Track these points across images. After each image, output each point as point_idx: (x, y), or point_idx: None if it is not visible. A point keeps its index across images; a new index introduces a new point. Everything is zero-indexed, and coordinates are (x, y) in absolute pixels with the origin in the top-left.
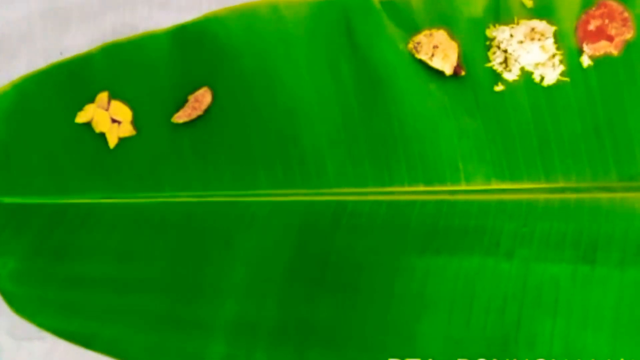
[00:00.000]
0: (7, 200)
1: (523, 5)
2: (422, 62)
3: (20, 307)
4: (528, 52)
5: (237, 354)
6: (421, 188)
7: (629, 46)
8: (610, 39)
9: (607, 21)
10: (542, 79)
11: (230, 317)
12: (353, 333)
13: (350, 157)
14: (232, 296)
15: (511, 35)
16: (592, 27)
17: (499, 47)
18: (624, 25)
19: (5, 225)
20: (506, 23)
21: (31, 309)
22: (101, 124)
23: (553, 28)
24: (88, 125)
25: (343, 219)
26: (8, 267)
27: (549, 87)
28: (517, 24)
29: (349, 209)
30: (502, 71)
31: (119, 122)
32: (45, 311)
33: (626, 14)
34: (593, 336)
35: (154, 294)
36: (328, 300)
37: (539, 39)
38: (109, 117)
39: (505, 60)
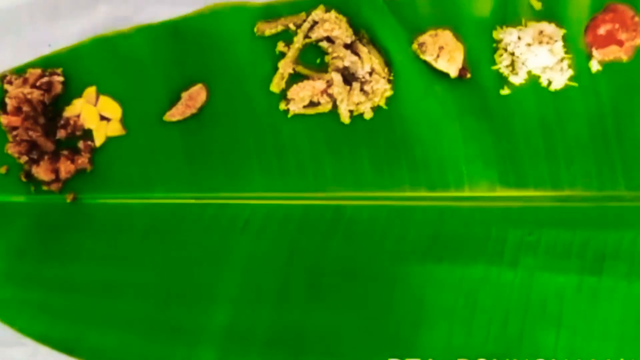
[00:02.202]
0: None
1: (531, 7)
2: (426, 63)
3: (1, 311)
4: (536, 56)
5: None
6: (423, 193)
7: (639, 51)
8: (620, 43)
9: (617, 26)
10: (550, 83)
11: (222, 323)
12: (349, 342)
13: (350, 159)
14: (224, 302)
15: (519, 38)
16: (601, 31)
17: (505, 50)
18: (634, 30)
19: None
20: (514, 25)
21: (12, 313)
22: (89, 120)
23: (562, 31)
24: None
25: (341, 224)
26: None
27: (557, 92)
28: (525, 26)
29: (347, 214)
30: (508, 74)
31: (108, 120)
32: (26, 316)
33: (637, 19)
34: (598, 349)
35: (143, 299)
36: (324, 308)
37: (548, 42)
38: (98, 113)
39: (512, 63)
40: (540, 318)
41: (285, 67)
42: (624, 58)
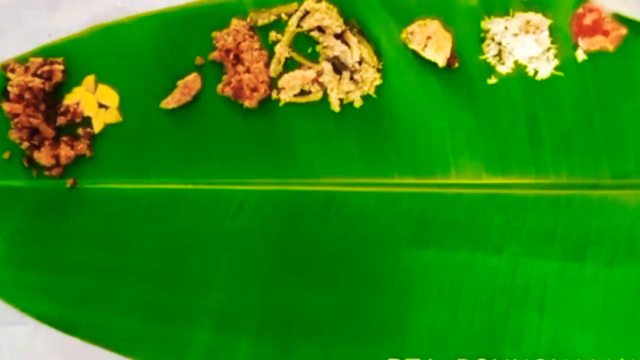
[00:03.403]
0: None
1: None
2: (415, 53)
3: (3, 291)
4: (522, 45)
5: (222, 343)
6: (411, 180)
7: (624, 41)
8: (606, 33)
9: (603, 15)
10: (536, 72)
11: (215, 306)
12: (339, 325)
13: (340, 147)
14: (217, 285)
15: (506, 28)
16: (587, 21)
17: (493, 40)
18: (620, 20)
19: None
20: (501, 15)
21: (14, 293)
22: (88, 108)
23: (548, 21)
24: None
25: (331, 209)
26: None
27: (543, 81)
28: (512, 16)
29: (337, 199)
30: (495, 64)
31: (106, 107)
32: (27, 296)
33: None
34: (580, 334)
35: (139, 282)
36: (314, 291)
37: (534, 32)
38: (96, 101)
39: (499, 53)
40: (524, 302)
41: (282, 52)
42: (610, 48)
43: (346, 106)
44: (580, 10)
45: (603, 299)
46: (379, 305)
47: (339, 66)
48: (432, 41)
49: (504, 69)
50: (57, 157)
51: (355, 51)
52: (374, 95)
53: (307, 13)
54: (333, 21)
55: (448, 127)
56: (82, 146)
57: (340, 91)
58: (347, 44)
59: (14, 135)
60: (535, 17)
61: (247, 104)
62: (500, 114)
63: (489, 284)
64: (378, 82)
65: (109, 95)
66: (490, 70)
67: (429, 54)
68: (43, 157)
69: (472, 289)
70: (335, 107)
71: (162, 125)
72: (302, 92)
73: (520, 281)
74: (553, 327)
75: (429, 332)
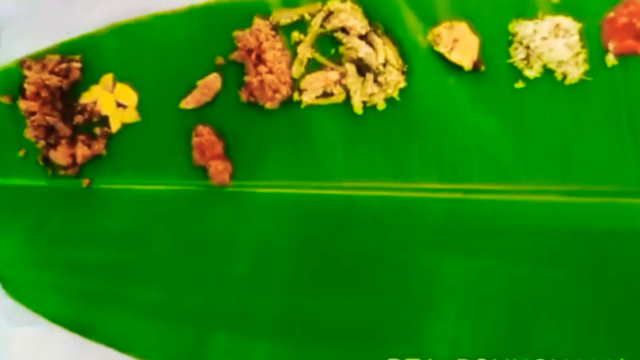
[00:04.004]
0: (7, 182)
1: (548, 0)
2: (441, 55)
3: (17, 291)
4: (551, 49)
5: (238, 346)
6: (434, 185)
7: None
8: (637, 38)
9: (634, 19)
10: (565, 77)
11: (232, 308)
12: (357, 329)
13: (362, 150)
14: (235, 287)
15: (535, 31)
16: (619, 25)
17: (521, 43)
18: None
19: (4, 207)
20: (530, 18)
21: (27, 293)
22: (105, 107)
23: (578, 25)
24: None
25: (352, 213)
26: (6, 250)
27: (571, 86)
28: (542, 19)
29: (358, 203)
30: (523, 67)
31: (124, 106)
32: (41, 296)
33: None
34: (605, 339)
35: (155, 284)
36: (333, 295)
37: (564, 36)
38: (114, 100)
39: (527, 57)
40: (547, 309)
41: (304, 52)
42: None
43: (369, 109)
44: (611, 14)
45: (625, 305)
46: (399, 311)
47: (362, 68)
48: (458, 44)
49: (532, 73)
50: (73, 156)
51: (380, 53)
52: (397, 98)
53: (330, 13)
54: (357, 22)
55: (473, 132)
56: (99, 145)
57: (364, 93)
58: (371, 45)
59: (30, 134)
60: (565, 21)
61: (268, 105)
62: (527, 119)
63: (512, 291)
64: (402, 84)
65: (128, 95)
66: (517, 74)
67: (455, 57)
68: (59, 156)
69: (494, 296)
70: (358, 109)
71: (181, 125)
72: (325, 94)
73: (544, 289)
74: (578, 332)
75: (449, 339)
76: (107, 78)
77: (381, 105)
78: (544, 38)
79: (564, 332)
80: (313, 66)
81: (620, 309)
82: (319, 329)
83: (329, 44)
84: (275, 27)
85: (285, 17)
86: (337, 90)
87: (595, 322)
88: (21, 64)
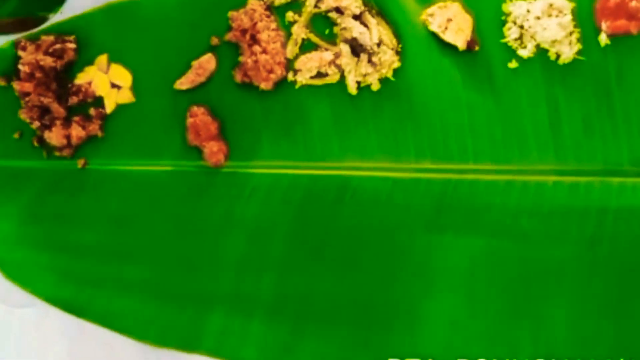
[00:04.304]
0: (2, 163)
1: None
2: (434, 35)
3: (13, 273)
4: (545, 29)
5: (233, 326)
6: (428, 165)
7: None
8: (630, 17)
9: None
10: (558, 56)
11: (227, 289)
12: (352, 309)
13: (356, 130)
14: (229, 268)
15: (528, 11)
16: (611, 4)
17: (514, 23)
18: None
19: (0, 188)
20: None
21: (24, 274)
22: (100, 88)
23: (571, 5)
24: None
25: (347, 194)
26: (2, 231)
27: (565, 66)
28: None
29: (353, 184)
30: (517, 47)
31: (119, 87)
32: (37, 277)
33: None
34: (599, 320)
35: (150, 264)
36: (327, 275)
37: (557, 16)
38: (109, 81)
39: (521, 37)
40: (542, 289)
41: (299, 32)
42: (634, 32)
43: (363, 89)
44: None
45: (618, 284)
46: (394, 291)
47: (357, 48)
48: (452, 23)
49: (525, 52)
50: (68, 137)
51: (374, 33)
52: (392, 78)
53: None
54: (352, 2)
55: (467, 112)
56: (93, 126)
57: (358, 73)
58: (365, 25)
59: (24, 115)
60: (558, 1)
61: (262, 85)
62: (521, 99)
63: (506, 270)
64: (396, 64)
65: (122, 75)
66: (511, 54)
67: (449, 37)
68: (54, 137)
69: (489, 275)
70: (353, 89)
71: (175, 106)
72: (319, 74)
73: (539, 267)
74: (572, 313)
75: (444, 318)
76: (102, 58)
77: (375, 86)
78: (537, 17)
79: (558, 310)
80: (307, 46)
81: (613, 287)
82: (314, 309)
83: (323, 24)
84: (270, 7)
85: None
86: (331, 70)
87: (589, 300)
88: (15, 44)
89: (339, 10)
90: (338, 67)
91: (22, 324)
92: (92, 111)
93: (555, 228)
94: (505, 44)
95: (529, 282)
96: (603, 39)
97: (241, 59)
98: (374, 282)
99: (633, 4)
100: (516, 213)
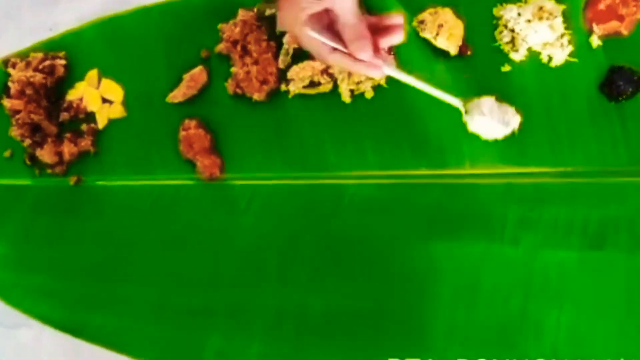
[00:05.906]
0: None
1: None
2: (427, 41)
3: (7, 293)
4: (536, 32)
5: (233, 344)
6: (424, 171)
7: (639, 26)
8: (620, 18)
9: (617, 0)
10: (550, 59)
11: (225, 304)
12: (351, 322)
13: (351, 139)
14: (226, 283)
15: (519, 14)
16: (602, 6)
17: (506, 27)
18: (634, 5)
19: None
20: (514, 1)
21: (17, 295)
22: (91, 103)
23: (562, 7)
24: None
25: (343, 203)
26: None
27: (557, 68)
28: (525, 2)
29: (349, 193)
30: (509, 51)
31: (110, 102)
32: (31, 298)
33: None
34: (602, 324)
35: (145, 281)
36: (327, 286)
37: (548, 18)
38: (100, 96)
39: (513, 40)
40: (542, 293)
41: (290, 42)
42: (625, 33)
43: (357, 97)
44: None
45: (625, 287)
46: (394, 299)
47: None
48: (443, 29)
49: (518, 56)
50: (60, 154)
51: None
52: (385, 86)
53: None
54: None
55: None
56: (85, 142)
57: (351, 82)
58: None
59: (15, 133)
60: (549, 3)
61: (256, 96)
62: (515, 102)
63: (506, 275)
64: None
65: (113, 90)
66: (503, 57)
67: (440, 43)
68: (46, 154)
69: (489, 281)
70: (346, 98)
71: (168, 119)
72: (312, 84)
73: (539, 272)
74: (573, 317)
75: (445, 324)
76: (92, 74)
77: (369, 93)
78: (528, 21)
79: (559, 314)
80: (299, 56)
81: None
82: (313, 322)
83: None
84: (260, 18)
85: (270, 7)
86: (324, 79)
87: (591, 302)
88: (5, 62)
89: None
90: (331, 75)
91: (18, 345)
92: (83, 127)
93: (555, 231)
94: (498, 48)
95: (530, 286)
96: (594, 40)
97: (233, 70)
98: (371, 291)
99: (623, 11)
100: (515, 217)
